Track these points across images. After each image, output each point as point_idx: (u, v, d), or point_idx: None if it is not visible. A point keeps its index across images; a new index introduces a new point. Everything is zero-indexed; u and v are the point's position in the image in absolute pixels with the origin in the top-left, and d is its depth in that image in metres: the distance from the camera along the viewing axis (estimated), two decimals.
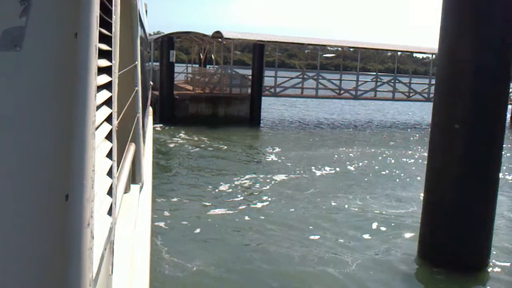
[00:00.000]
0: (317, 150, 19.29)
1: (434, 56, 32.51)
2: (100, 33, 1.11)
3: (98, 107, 1.18)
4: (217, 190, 12.32)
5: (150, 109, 8.47)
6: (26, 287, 0.88)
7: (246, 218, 10.39)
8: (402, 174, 15.96)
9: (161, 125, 23.38)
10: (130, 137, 2.84)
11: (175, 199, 11.51)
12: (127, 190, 2.87)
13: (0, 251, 0.86)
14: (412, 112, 39.93)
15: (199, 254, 8.35)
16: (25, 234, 0.87)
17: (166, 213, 10.46)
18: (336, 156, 18.37)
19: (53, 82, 0.88)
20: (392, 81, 30.19)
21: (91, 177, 0.93)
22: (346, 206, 12.06)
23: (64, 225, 0.89)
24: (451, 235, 8.33)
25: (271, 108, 34.63)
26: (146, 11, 7.57)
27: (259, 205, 11.35)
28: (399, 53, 41.08)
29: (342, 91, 29.54)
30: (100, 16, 1.06)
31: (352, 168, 16.35)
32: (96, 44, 0.96)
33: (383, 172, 16.04)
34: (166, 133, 21.86)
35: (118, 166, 1.96)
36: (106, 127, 1.34)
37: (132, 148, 2.81)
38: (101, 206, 1.24)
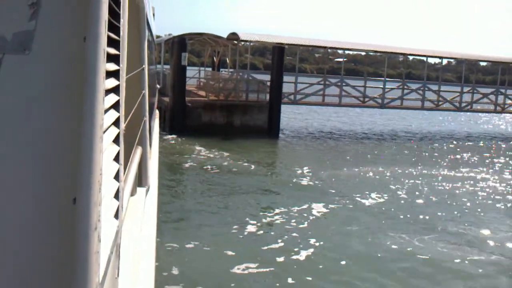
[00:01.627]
0: (351, 168, 16.20)
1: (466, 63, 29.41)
2: (108, 37, 1.07)
3: (106, 111, 1.13)
4: (245, 232, 9.26)
5: (156, 112, 7.80)
6: None
7: (289, 280, 7.38)
8: (462, 204, 12.87)
9: (173, 136, 20.37)
10: (137, 141, 2.72)
11: (190, 245, 8.50)
12: (133, 193, 2.72)
13: (8, 254, 0.85)
14: (440, 121, 36.74)
15: None
16: (32, 237, 0.86)
17: (175, 271, 7.46)
18: (376, 177, 15.28)
19: (61, 85, 0.88)
20: (421, 88, 27.07)
21: (99, 180, 0.91)
22: (409, 249, 9.15)
23: (71, 228, 0.87)
24: None
25: (284, 116, 31.46)
26: (154, 14, 7.10)
27: (302, 254, 8.33)
28: (411, 57, 38.38)
29: (366, 99, 26.48)
30: (109, 20, 1.04)
31: (401, 194, 13.28)
32: (104, 48, 0.94)
33: (438, 200, 12.98)
34: (178, 147, 18.83)
35: (125, 169, 1.83)
36: (114, 131, 1.29)
37: (138, 151, 2.70)
38: (108, 209, 1.18)
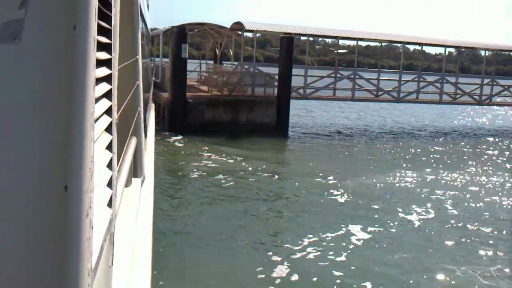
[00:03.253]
0: (380, 175, 13.64)
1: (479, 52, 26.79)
2: (100, 26, 1.05)
3: (98, 100, 1.10)
4: (274, 279, 6.72)
5: (152, 105, 7.21)
6: (26, 274, 0.85)
7: None
8: None
9: (175, 136, 17.80)
10: (131, 131, 2.63)
11: None
12: (128, 183, 2.59)
13: (0, 241, 0.83)
14: (454, 116, 34.18)
15: None
16: (24, 224, 0.84)
17: None
18: (413, 184, 12.72)
19: (51, 73, 0.86)
20: (439, 81, 24.51)
21: (90, 168, 0.89)
22: None
23: (63, 215, 0.86)
24: None
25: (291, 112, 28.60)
26: (148, 6, 6.64)
27: None
28: (411, 48, 36.28)
29: (381, 93, 23.93)
30: (100, 9, 1.01)
31: (448, 208, 10.78)
32: (94, 36, 0.92)
33: (492, 215, 10.50)
34: (183, 150, 16.28)
35: (118, 159, 1.78)
36: (106, 120, 1.23)
37: (133, 141, 2.63)
38: (101, 197, 1.15)
